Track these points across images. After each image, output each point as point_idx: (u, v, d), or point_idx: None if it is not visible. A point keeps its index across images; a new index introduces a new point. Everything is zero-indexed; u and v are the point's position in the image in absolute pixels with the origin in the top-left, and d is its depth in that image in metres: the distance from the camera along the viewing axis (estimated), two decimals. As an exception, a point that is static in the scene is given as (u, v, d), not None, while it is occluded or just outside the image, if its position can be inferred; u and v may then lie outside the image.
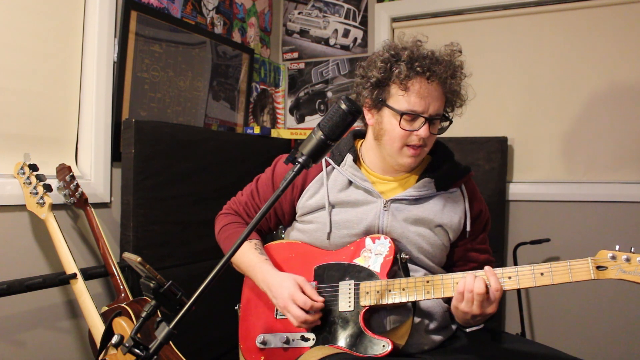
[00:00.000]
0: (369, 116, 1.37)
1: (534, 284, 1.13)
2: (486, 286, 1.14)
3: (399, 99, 1.28)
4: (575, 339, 2.45)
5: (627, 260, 1.08)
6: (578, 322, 2.44)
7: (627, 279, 1.08)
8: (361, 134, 1.49)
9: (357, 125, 1.50)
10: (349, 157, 1.39)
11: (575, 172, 2.51)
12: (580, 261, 1.11)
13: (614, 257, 1.09)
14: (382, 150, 1.34)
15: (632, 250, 1.09)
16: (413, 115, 1.27)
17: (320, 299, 1.26)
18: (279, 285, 1.27)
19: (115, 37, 1.94)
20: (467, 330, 1.25)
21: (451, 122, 1.36)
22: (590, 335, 2.42)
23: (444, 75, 1.26)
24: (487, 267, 1.18)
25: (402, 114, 1.26)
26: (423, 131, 1.27)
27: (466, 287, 1.15)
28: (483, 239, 1.44)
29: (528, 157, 2.59)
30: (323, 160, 1.40)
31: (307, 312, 1.22)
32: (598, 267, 1.10)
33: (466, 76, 1.33)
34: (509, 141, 2.54)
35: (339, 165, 1.39)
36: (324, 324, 1.27)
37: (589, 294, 2.41)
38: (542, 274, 1.13)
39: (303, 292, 1.25)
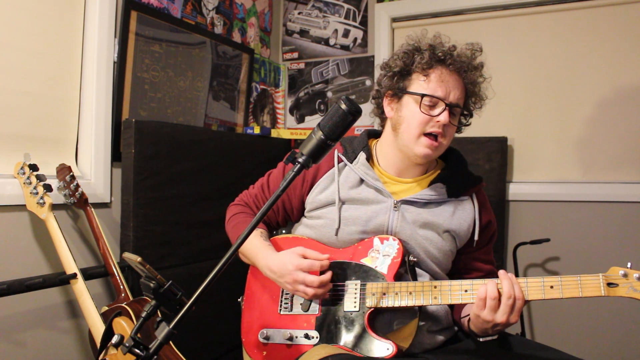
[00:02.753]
0: (388, 109, 1.37)
1: (542, 297, 1.12)
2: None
3: (420, 84, 1.29)
4: (575, 338, 2.45)
5: (639, 278, 1.06)
6: (578, 322, 2.44)
7: (638, 298, 1.06)
8: (375, 134, 1.48)
9: (371, 125, 1.51)
10: (362, 155, 1.39)
11: (575, 172, 2.51)
12: (591, 277, 1.09)
13: (625, 275, 1.07)
14: (399, 140, 1.33)
15: None
16: (434, 100, 1.27)
17: (325, 255, 1.28)
18: (281, 263, 1.28)
19: (115, 37, 1.94)
20: (481, 339, 1.22)
21: (472, 115, 1.38)
22: (591, 335, 2.42)
23: (465, 66, 1.29)
24: (507, 275, 1.14)
25: (422, 96, 1.27)
26: (443, 117, 1.26)
27: (489, 294, 1.12)
28: (488, 250, 1.44)
29: (528, 157, 2.59)
30: (335, 157, 1.40)
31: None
32: (609, 284, 1.08)
33: (485, 78, 1.35)
34: (509, 141, 2.54)
35: (351, 162, 1.39)
36: (328, 322, 1.27)
37: (589, 294, 2.41)
38: (551, 287, 1.12)
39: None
